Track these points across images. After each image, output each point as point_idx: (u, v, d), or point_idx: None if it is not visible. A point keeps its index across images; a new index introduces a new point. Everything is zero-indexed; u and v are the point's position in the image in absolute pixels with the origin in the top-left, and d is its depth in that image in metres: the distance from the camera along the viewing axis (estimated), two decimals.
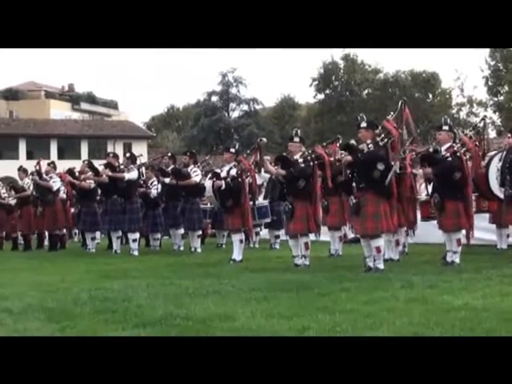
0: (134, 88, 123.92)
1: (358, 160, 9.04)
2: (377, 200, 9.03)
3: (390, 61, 74.00)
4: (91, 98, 76.28)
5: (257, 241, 15.42)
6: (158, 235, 15.68)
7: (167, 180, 14.23)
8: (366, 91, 63.65)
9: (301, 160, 10.12)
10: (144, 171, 15.28)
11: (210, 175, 12.58)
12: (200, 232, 14.59)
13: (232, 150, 11.96)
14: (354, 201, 9.14)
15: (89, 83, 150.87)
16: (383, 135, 9.39)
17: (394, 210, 9.30)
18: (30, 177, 16.38)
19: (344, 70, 63.72)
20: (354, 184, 9.19)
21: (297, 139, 10.44)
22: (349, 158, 9.13)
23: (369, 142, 9.16)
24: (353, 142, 9.92)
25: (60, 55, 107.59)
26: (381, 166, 8.94)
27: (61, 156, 45.99)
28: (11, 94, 75.76)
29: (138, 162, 14.76)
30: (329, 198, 11.55)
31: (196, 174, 14.12)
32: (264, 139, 12.00)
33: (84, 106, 75.95)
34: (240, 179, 11.55)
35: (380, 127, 9.51)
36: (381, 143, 9.17)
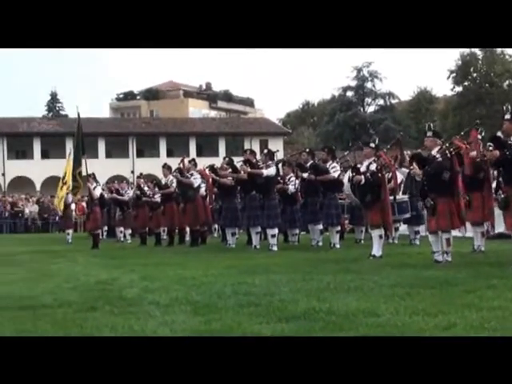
0: (270, 85, 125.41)
1: (506, 156, 8.66)
2: None
3: None
4: (228, 96, 77.71)
5: (396, 236, 15.18)
6: (297, 231, 15.77)
7: (305, 175, 14.26)
8: (507, 82, 61.36)
9: (438, 155, 9.84)
10: (281, 167, 15.40)
11: (349, 170, 12.50)
12: (339, 227, 14.53)
13: (372, 145, 11.82)
14: (503, 196, 8.80)
15: (225, 81, 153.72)
16: None
17: None
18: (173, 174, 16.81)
19: (483, 60, 61.74)
20: (500, 179, 8.85)
21: (430, 133, 10.19)
22: (496, 152, 8.77)
23: None
24: (499, 134, 9.53)
25: (197, 55, 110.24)
26: None
27: (199, 153, 47.05)
28: (151, 94, 78.42)
29: (276, 159, 14.88)
30: (471, 193, 11.21)
31: (334, 170, 14.08)
32: (401, 133, 11.78)
33: (221, 104, 77.52)
34: (380, 174, 11.40)
35: None
36: None
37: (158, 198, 17.94)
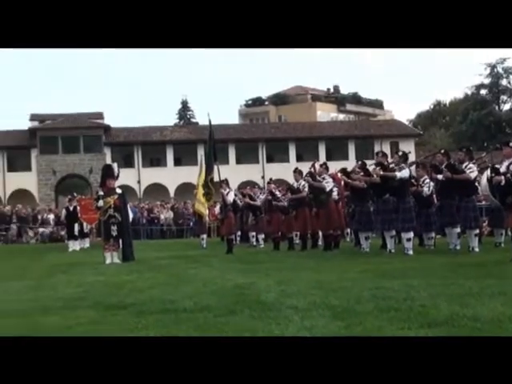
0: (399, 86, 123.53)
1: None
2: None
3: None
4: (356, 99, 77.28)
5: None
6: (432, 234, 15.41)
7: (440, 177, 13.92)
8: None
9: None
10: (415, 169, 15.12)
11: (486, 171, 12.10)
12: (477, 230, 14.06)
13: (511, 145, 11.40)
14: None
15: (354, 84, 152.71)
16: None
17: None
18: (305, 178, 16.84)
19: None
20: None
21: None
22: None
23: None
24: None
25: (324, 57, 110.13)
26: None
27: (329, 157, 46.86)
28: (280, 99, 79.11)
29: (408, 161, 14.63)
30: None
31: (471, 171, 13.65)
32: None
33: (349, 106, 77.17)
34: None
35: None
36: None
37: (285, 202, 18.07)
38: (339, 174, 16.66)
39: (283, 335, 5.20)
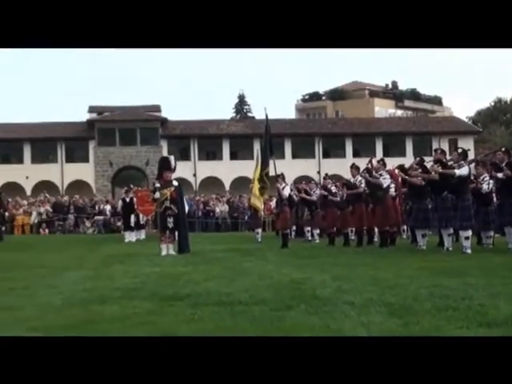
0: (458, 83, 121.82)
1: None
2: None
3: None
4: (415, 95, 76.52)
5: None
6: (491, 233, 15.16)
7: (500, 175, 13.67)
8: None
9: None
10: (475, 167, 14.89)
11: None
12: None
13: None
14: None
15: (412, 80, 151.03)
16: None
17: None
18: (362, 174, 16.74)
19: None
20: None
21: None
22: None
23: None
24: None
25: (382, 54, 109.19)
26: None
27: (386, 153, 46.41)
28: (337, 95, 78.83)
29: (468, 158, 14.41)
30: None
31: None
32: None
33: (408, 103, 76.45)
34: None
35: None
36: None
37: (338, 197, 18.06)
38: (397, 171, 16.49)
39: (340, 331, 5.17)
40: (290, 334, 5.01)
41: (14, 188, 47.40)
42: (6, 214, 32.05)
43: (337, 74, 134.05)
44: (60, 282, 9.40)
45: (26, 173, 51.30)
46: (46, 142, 52.74)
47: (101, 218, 37.57)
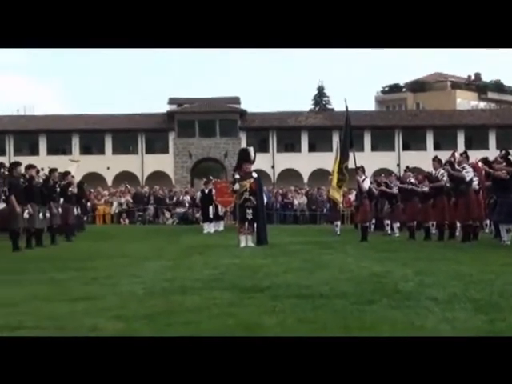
0: None
1: None
2: None
3: None
4: (499, 87, 74.72)
5: None
6: None
7: None
8: None
9: None
10: None
11: None
12: None
13: None
14: None
15: (496, 71, 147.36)
16: None
17: None
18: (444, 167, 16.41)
19: None
20: None
21: None
22: None
23: None
24: None
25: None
26: None
27: (468, 146, 45.36)
28: (418, 86, 77.73)
29: None
30: None
31: None
32: None
33: (491, 94, 74.68)
34: None
35: None
36: None
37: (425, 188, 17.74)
38: (480, 164, 16.10)
39: (423, 327, 5.05)
40: (371, 328, 4.93)
41: (95, 178, 48.40)
42: (88, 203, 32.71)
43: (418, 65, 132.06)
44: (141, 272, 9.51)
45: (108, 163, 52.35)
46: (126, 133, 53.64)
47: (181, 211, 37.92)
